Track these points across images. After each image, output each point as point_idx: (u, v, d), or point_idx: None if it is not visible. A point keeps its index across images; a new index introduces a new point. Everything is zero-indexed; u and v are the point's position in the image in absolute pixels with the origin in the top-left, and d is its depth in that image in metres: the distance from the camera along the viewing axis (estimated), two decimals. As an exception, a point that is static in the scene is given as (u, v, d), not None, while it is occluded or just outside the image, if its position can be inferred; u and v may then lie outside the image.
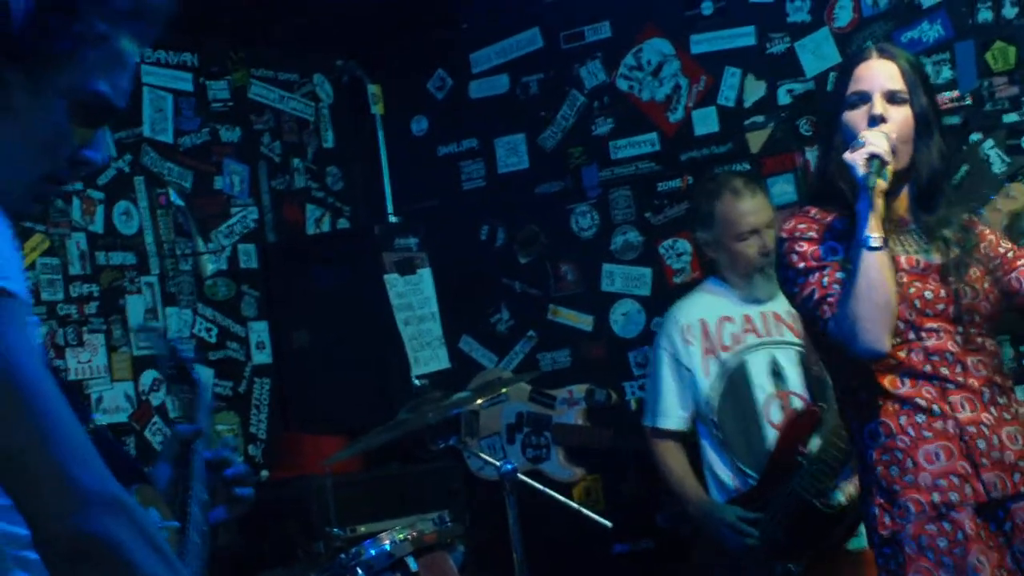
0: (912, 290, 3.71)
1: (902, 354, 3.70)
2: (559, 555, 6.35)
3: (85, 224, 5.83)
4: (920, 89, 3.87)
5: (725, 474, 5.47)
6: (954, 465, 3.65)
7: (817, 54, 6.22)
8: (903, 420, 3.68)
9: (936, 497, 3.63)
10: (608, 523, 5.05)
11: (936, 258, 3.77)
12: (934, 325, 3.72)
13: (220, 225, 6.45)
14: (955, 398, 3.70)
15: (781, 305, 5.19)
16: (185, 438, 3.07)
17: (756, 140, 6.37)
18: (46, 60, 1.92)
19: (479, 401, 5.15)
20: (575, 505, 5.04)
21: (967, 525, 3.61)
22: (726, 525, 5.30)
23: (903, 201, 3.83)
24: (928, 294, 3.72)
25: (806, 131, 6.22)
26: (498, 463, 4.82)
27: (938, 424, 3.67)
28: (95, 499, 1.75)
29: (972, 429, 3.68)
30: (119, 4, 1.97)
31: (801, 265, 3.74)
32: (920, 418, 3.68)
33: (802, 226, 3.80)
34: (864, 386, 3.74)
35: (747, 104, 6.40)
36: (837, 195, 3.78)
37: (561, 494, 5.86)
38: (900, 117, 3.76)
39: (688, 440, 5.65)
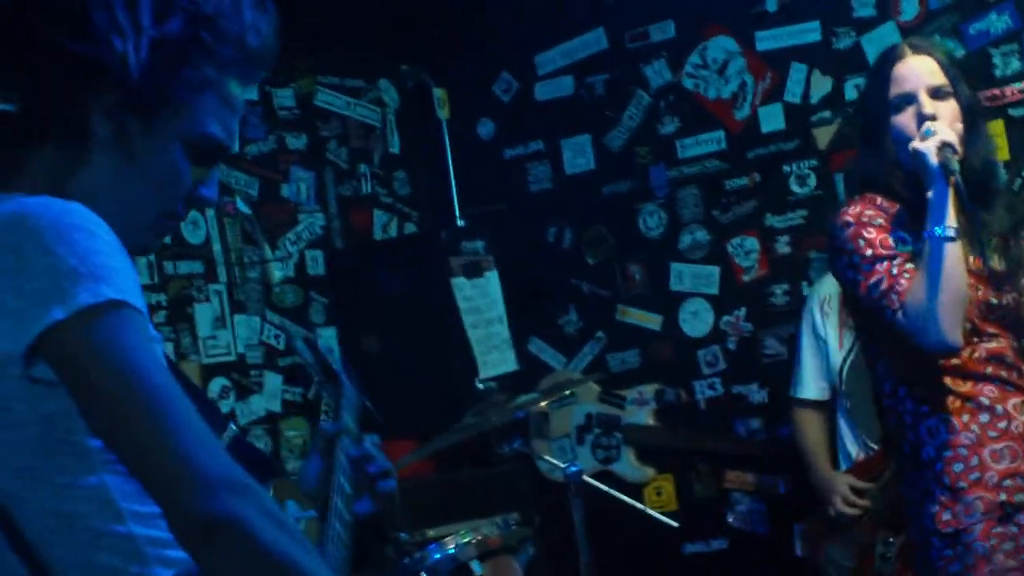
0: (979, 292, 3.66)
1: (965, 354, 3.65)
2: (630, 556, 6.34)
3: (153, 234, 5.87)
4: (961, 81, 3.81)
5: (852, 445, 5.56)
6: (1019, 466, 3.60)
7: (883, 48, 6.13)
8: (966, 418, 3.63)
9: (1003, 496, 3.58)
10: (674, 523, 5.05)
11: (996, 263, 3.71)
12: (994, 330, 3.67)
13: (287, 232, 6.47)
14: (1016, 400, 3.65)
15: None
16: (329, 434, 3.28)
17: (823, 136, 6.33)
18: (161, 107, 2.07)
19: (543, 403, 5.15)
20: (640, 506, 5.04)
21: None
22: (834, 492, 5.38)
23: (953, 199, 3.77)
24: (993, 300, 3.67)
25: (874, 126, 6.17)
26: (563, 465, 4.82)
27: (1002, 424, 3.62)
28: (222, 483, 1.87)
29: None
30: (227, 52, 2.12)
31: (869, 252, 3.65)
32: (984, 417, 3.63)
33: (870, 212, 3.72)
34: (924, 381, 3.69)
35: (813, 100, 6.35)
36: (894, 193, 3.73)
37: (632, 495, 5.87)
38: (948, 112, 3.70)
39: (827, 409, 5.71)
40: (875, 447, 5.41)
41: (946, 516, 3.62)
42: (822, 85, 6.33)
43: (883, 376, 3.82)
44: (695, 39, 6.61)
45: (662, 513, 5.77)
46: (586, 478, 4.87)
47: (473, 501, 5.89)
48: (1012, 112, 5.91)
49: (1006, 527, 3.57)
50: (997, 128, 5.89)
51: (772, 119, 6.44)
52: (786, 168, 6.39)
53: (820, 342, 5.63)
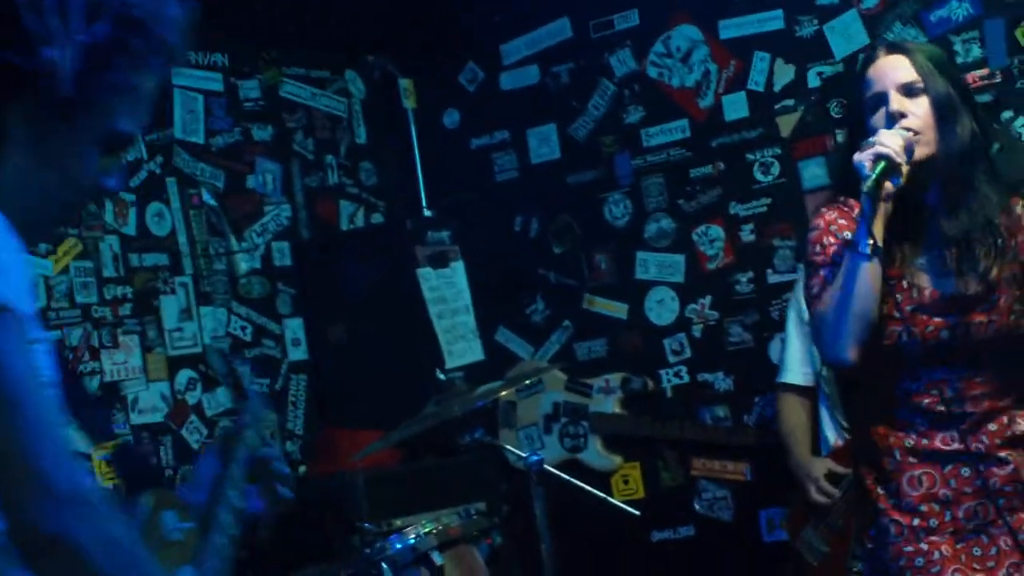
0: (929, 328, 3.65)
1: (905, 384, 3.69)
2: (598, 544, 6.38)
3: (118, 227, 5.87)
4: (937, 75, 3.78)
5: (830, 431, 5.61)
6: (936, 491, 3.67)
7: (846, 36, 6.19)
8: (892, 440, 3.69)
9: (916, 521, 3.66)
10: (636, 512, 5.06)
11: (962, 287, 3.68)
12: (940, 365, 3.69)
13: (253, 224, 6.48)
14: (944, 434, 3.68)
15: None
16: (229, 437, 3.20)
17: (787, 124, 6.35)
18: (82, 109, 2.08)
19: (504, 392, 5.16)
20: (601, 495, 5.05)
21: (944, 549, 3.64)
22: (810, 478, 5.48)
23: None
24: (945, 333, 3.65)
25: (836, 113, 6.20)
26: (525, 454, 4.83)
27: (925, 452, 3.67)
28: (66, 500, 1.88)
29: (966, 457, 3.67)
30: (152, 57, 2.12)
31: (820, 259, 3.67)
32: (909, 443, 3.68)
33: (842, 221, 3.70)
34: (864, 393, 3.74)
35: (777, 88, 6.38)
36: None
37: (599, 483, 5.90)
38: (920, 109, 3.68)
39: (812, 395, 5.76)
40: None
41: (872, 532, 3.72)
42: (785, 73, 6.35)
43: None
44: (659, 28, 6.62)
45: (629, 501, 5.82)
46: (548, 467, 4.88)
47: (440, 491, 5.90)
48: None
49: (915, 546, 3.63)
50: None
51: (736, 107, 6.46)
52: (750, 156, 6.41)
53: (806, 328, 5.66)
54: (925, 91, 3.71)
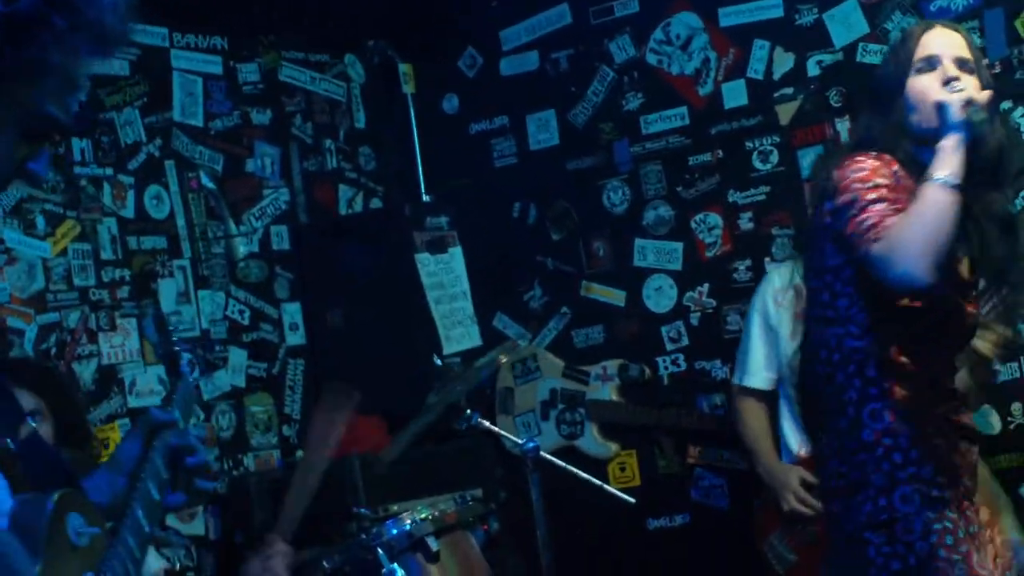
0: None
1: (911, 351, 3.67)
2: (594, 531, 6.38)
3: (116, 209, 5.87)
4: (983, 64, 3.83)
5: (793, 438, 5.58)
6: (947, 462, 3.65)
7: (846, 24, 6.19)
8: (905, 411, 3.65)
9: (935, 492, 3.61)
10: (632, 499, 5.06)
11: (964, 272, 3.71)
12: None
13: (252, 207, 6.47)
14: (949, 404, 3.70)
15: None
16: (154, 423, 2.96)
17: (786, 112, 6.35)
18: (2, 85, 1.98)
19: (503, 358, 5.14)
20: (597, 482, 5.05)
21: (961, 525, 3.62)
22: (786, 487, 5.46)
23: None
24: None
25: (836, 102, 6.20)
26: (521, 441, 4.83)
27: (936, 422, 3.66)
28: None
29: (959, 431, 3.70)
30: (78, 38, 2.01)
31: (872, 195, 3.58)
32: (922, 412, 3.66)
33: (884, 170, 3.66)
34: (875, 366, 3.68)
35: (776, 76, 6.38)
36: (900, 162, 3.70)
37: (596, 470, 5.89)
38: (971, 84, 3.69)
39: (770, 399, 5.75)
40: None
41: (882, 502, 3.62)
42: (785, 61, 6.34)
43: (833, 343, 3.77)
44: (659, 15, 6.62)
45: (626, 488, 5.82)
46: (544, 454, 4.89)
47: (436, 477, 5.91)
48: (973, 89, 5.93)
49: (942, 523, 3.60)
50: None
51: (735, 95, 6.46)
52: (749, 144, 6.41)
53: (771, 332, 5.64)
54: (976, 73, 3.73)
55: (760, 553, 5.68)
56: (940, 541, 3.57)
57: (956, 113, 3.55)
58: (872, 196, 3.58)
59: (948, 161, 3.54)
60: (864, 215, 3.56)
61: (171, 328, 3.35)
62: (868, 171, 3.64)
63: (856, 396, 3.69)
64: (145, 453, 2.88)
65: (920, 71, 3.70)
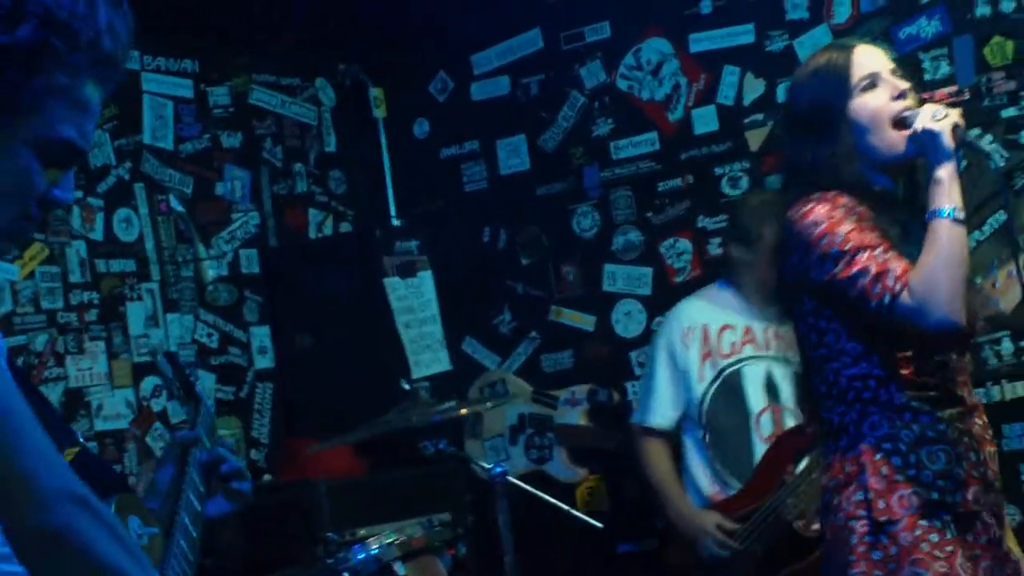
0: None
1: (910, 361, 3.66)
2: (563, 555, 6.36)
3: (85, 232, 5.86)
4: None
5: (704, 479, 5.47)
6: (952, 468, 3.62)
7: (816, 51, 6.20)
8: (909, 417, 3.63)
9: (935, 495, 3.59)
10: (599, 524, 5.05)
11: None
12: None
13: (221, 231, 6.47)
14: (954, 410, 3.68)
15: (784, 327, 4.97)
16: (184, 443, 3.20)
17: (756, 138, 6.37)
18: (10, 114, 2.00)
19: (463, 411, 5.15)
20: (565, 507, 5.05)
21: (955, 527, 3.59)
22: (704, 532, 5.29)
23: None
24: None
25: (805, 129, 6.21)
26: (489, 466, 4.82)
27: (941, 427, 3.64)
28: (59, 496, 1.89)
29: (967, 440, 3.66)
30: (80, 58, 2.03)
31: (848, 245, 3.52)
32: (925, 419, 3.64)
33: (837, 212, 3.59)
34: (881, 380, 3.66)
35: (746, 102, 6.40)
36: (850, 188, 3.64)
37: (565, 495, 5.88)
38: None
39: (672, 441, 5.62)
40: (735, 483, 5.36)
41: (880, 504, 3.59)
42: (755, 87, 6.37)
43: (831, 377, 3.73)
44: (630, 41, 6.64)
45: (594, 513, 5.79)
46: (512, 479, 4.88)
47: (404, 501, 5.89)
48: (941, 116, 5.96)
49: (931, 521, 3.58)
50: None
51: (705, 121, 6.48)
52: (718, 170, 6.43)
53: (679, 372, 5.50)
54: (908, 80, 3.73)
55: None
56: (924, 536, 3.56)
57: (948, 141, 3.53)
58: (847, 246, 3.55)
59: (950, 192, 3.51)
60: (852, 268, 3.54)
61: (183, 362, 3.56)
62: (826, 222, 3.58)
63: (856, 416, 3.66)
64: (182, 469, 3.11)
65: (864, 90, 3.68)
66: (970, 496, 3.62)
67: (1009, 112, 5.87)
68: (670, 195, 6.56)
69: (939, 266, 3.47)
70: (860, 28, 6.13)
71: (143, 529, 2.75)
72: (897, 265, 3.50)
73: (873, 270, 3.49)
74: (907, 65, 5.90)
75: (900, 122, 3.63)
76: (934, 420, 3.63)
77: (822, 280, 3.59)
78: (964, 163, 5.71)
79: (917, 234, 3.64)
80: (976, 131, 5.87)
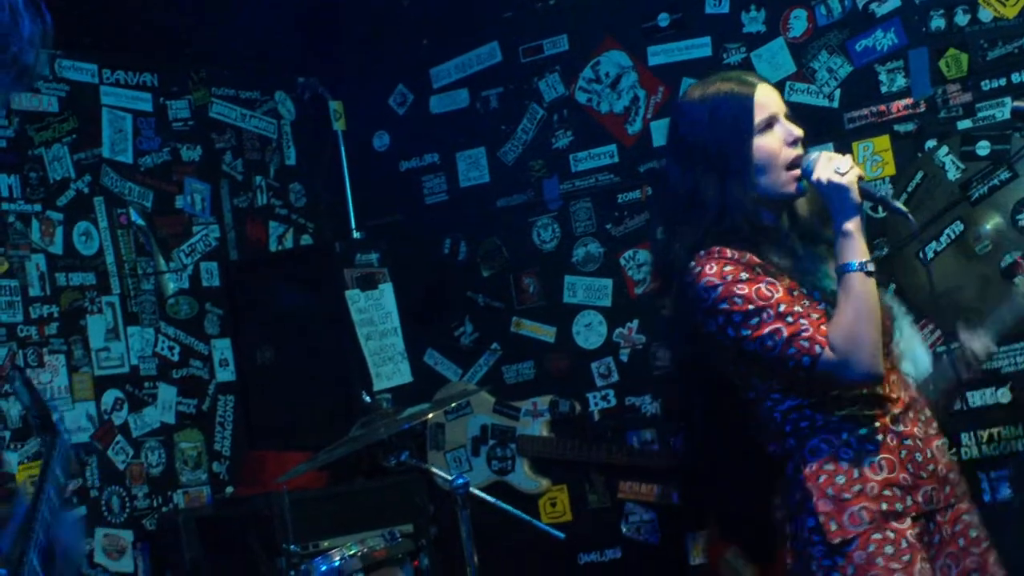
0: None
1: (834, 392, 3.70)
2: (525, 566, 6.38)
3: (44, 245, 5.84)
4: None
5: None
6: (896, 476, 3.65)
7: (772, 64, 6.25)
8: (845, 435, 3.67)
9: (884, 506, 3.63)
10: (561, 535, 5.07)
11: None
12: None
13: (182, 244, 6.46)
14: (891, 413, 3.71)
15: None
16: (38, 475, 3.10)
17: (714, 150, 6.39)
18: None
19: (430, 416, 5.15)
20: (527, 517, 5.06)
21: (909, 534, 3.62)
22: None
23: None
24: None
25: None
26: (451, 477, 4.84)
27: (879, 437, 3.67)
28: None
29: (909, 442, 3.70)
30: (2, 75, 2.00)
31: (750, 307, 3.58)
32: (863, 431, 3.67)
33: (728, 268, 3.63)
34: (809, 406, 3.70)
35: (705, 115, 6.41)
36: (740, 232, 3.68)
37: (527, 505, 5.91)
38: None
39: None
40: None
41: (832, 527, 3.62)
42: (713, 100, 6.39)
43: (765, 416, 3.75)
44: (588, 53, 6.67)
45: (557, 524, 5.81)
46: (474, 490, 4.89)
47: (366, 513, 5.90)
48: (897, 128, 6.02)
49: (883, 533, 3.61)
50: (883, 143, 6.02)
51: (664, 133, 6.47)
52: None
53: None
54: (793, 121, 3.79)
55: (715, 573, 5.67)
56: (879, 551, 3.58)
57: (855, 195, 3.59)
58: (750, 308, 3.58)
59: (857, 245, 3.59)
60: (762, 330, 3.57)
61: (40, 388, 3.39)
62: (722, 285, 3.61)
63: (795, 442, 3.71)
64: (34, 507, 2.96)
65: (763, 131, 3.72)
66: (920, 498, 3.66)
67: (965, 124, 5.91)
68: (630, 207, 6.59)
69: (858, 319, 3.55)
70: (816, 41, 6.17)
71: None
72: (806, 322, 3.56)
73: (785, 332, 3.56)
74: (865, 78, 6.05)
75: (794, 166, 3.70)
76: (871, 431, 3.66)
77: (728, 341, 3.65)
78: (920, 175, 5.83)
79: (808, 259, 3.72)
80: (932, 142, 5.93)
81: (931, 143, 5.95)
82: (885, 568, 3.58)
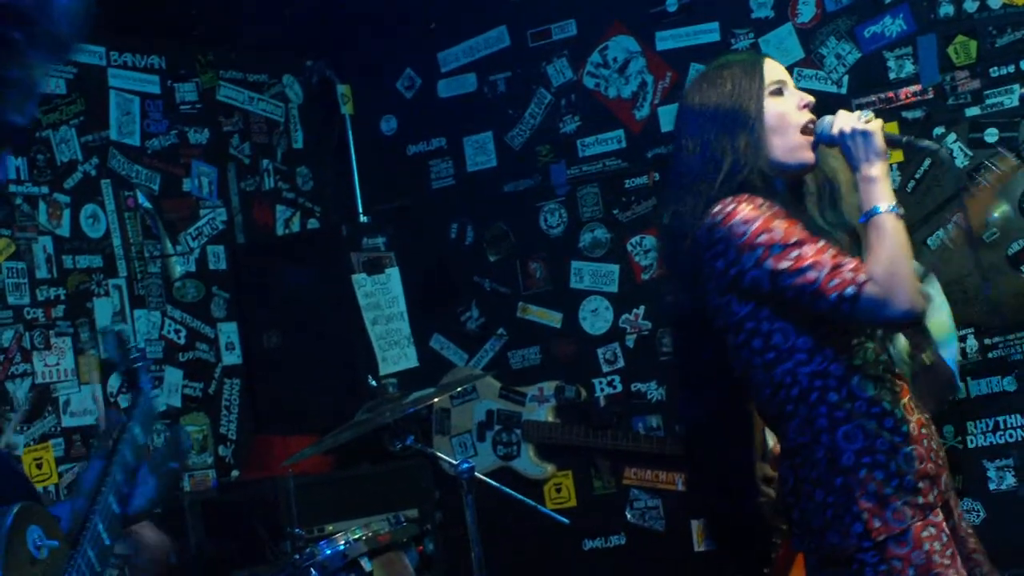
0: None
1: (870, 356, 3.65)
2: (530, 551, 6.40)
3: (52, 228, 5.85)
4: None
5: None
6: (926, 467, 3.62)
7: (781, 49, 6.24)
8: (875, 422, 3.61)
9: (920, 499, 3.59)
10: (566, 520, 5.07)
11: None
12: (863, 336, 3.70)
13: (189, 227, 6.46)
14: (904, 400, 3.68)
15: None
16: (115, 434, 3.07)
17: (722, 136, 6.38)
18: None
19: (435, 400, 5.15)
20: (532, 503, 5.06)
21: (945, 526, 3.59)
22: None
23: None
24: None
25: (771, 126, 6.25)
26: (456, 462, 4.84)
27: (904, 428, 3.63)
28: None
29: (925, 430, 3.66)
30: (38, 52, 2.02)
31: (793, 239, 3.49)
32: (888, 422, 3.63)
33: (762, 206, 3.56)
34: (836, 385, 3.64)
35: (712, 100, 6.40)
36: (754, 190, 3.61)
37: (532, 491, 5.91)
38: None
39: None
40: None
41: (876, 523, 3.55)
42: (721, 85, 6.38)
43: (788, 380, 3.69)
44: (596, 38, 6.66)
45: (561, 509, 5.82)
46: (479, 475, 4.89)
47: (371, 497, 5.91)
48: (906, 114, 6.01)
49: (927, 529, 3.56)
50: (891, 130, 5.97)
51: (672, 119, 6.40)
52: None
53: None
54: None
55: None
56: (932, 548, 3.55)
57: (880, 142, 3.57)
58: (795, 239, 3.50)
59: (885, 189, 3.55)
60: (816, 262, 3.48)
61: (131, 345, 3.37)
62: (760, 218, 3.54)
63: (826, 423, 3.62)
64: (106, 468, 2.94)
65: (773, 94, 3.72)
66: (943, 486, 3.62)
67: (973, 111, 5.91)
68: (637, 192, 6.59)
69: (896, 256, 3.47)
70: (824, 27, 6.16)
71: (43, 541, 2.56)
72: (847, 258, 3.52)
73: (828, 262, 3.48)
74: (873, 64, 6.03)
75: (807, 131, 3.68)
76: (897, 421, 3.62)
77: (765, 277, 3.53)
78: (928, 162, 5.82)
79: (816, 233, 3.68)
80: (940, 129, 5.92)
81: (939, 130, 5.94)
82: (941, 564, 3.54)
